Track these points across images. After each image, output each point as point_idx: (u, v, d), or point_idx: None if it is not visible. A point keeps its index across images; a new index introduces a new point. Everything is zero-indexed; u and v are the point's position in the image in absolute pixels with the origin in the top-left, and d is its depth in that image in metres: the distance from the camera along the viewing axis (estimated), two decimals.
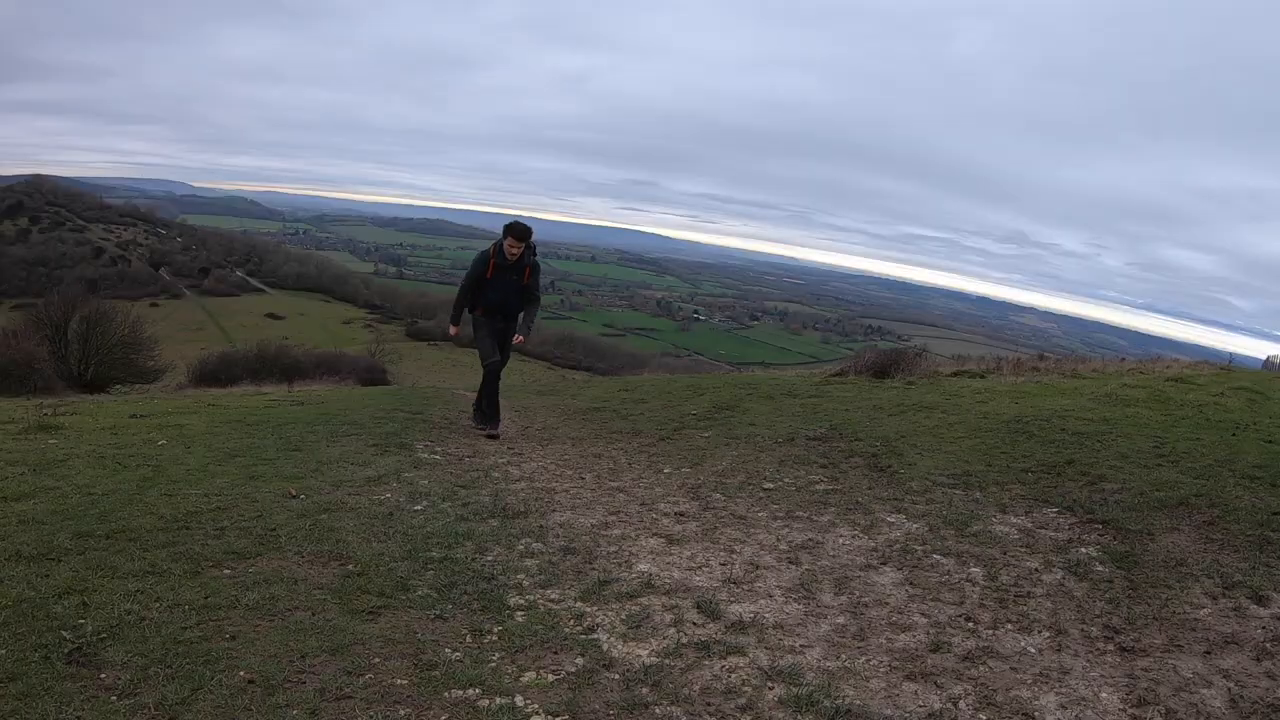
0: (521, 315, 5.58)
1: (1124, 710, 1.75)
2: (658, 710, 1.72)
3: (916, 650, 2.01)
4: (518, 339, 5.58)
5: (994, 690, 1.81)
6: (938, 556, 2.62)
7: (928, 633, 2.10)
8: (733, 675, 1.87)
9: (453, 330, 5.90)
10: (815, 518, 3.08)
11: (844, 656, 1.98)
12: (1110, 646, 2.02)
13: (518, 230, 5.34)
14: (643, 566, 2.54)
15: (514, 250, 5.30)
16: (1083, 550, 2.62)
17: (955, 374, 7.25)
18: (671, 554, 2.68)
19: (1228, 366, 7.47)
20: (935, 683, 1.85)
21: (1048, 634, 2.08)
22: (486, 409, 5.46)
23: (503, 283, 5.38)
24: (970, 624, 2.15)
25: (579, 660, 1.92)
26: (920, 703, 1.77)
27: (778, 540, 2.81)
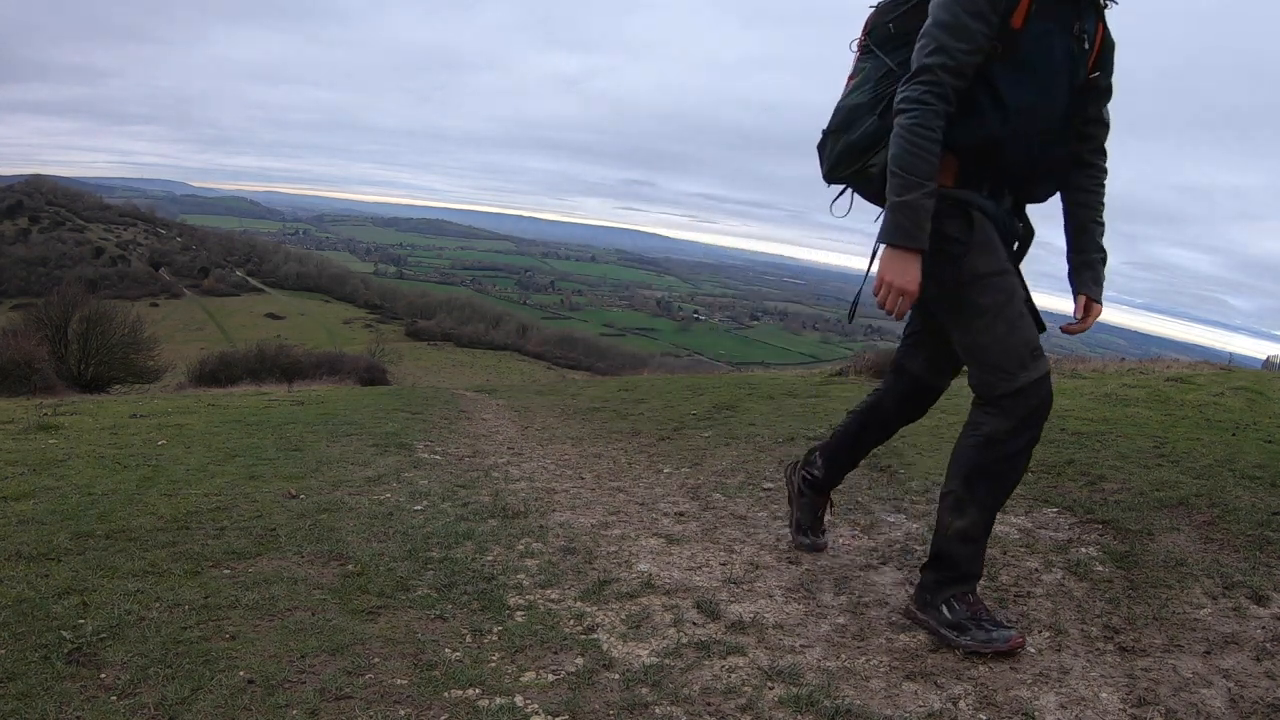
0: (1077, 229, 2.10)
1: (1124, 710, 1.75)
2: (658, 710, 1.71)
3: (916, 650, 2.01)
4: (1084, 319, 2.10)
5: (994, 690, 1.81)
6: None
7: (928, 633, 2.10)
8: (733, 675, 1.87)
9: (905, 291, 1.84)
10: None
11: (844, 656, 1.98)
12: (1110, 646, 2.02)
13: None
14: (643, 566, 2.54)
15: None
16: (1083, 550, 2.62)
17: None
18: (671, 554, 2.68)
19: (1227, 366, 7.48)
20: (935, 683, 1.85)
21: (1047, 634, 2.08)
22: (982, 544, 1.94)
23: (1058, 53, 1.67)
24: None
25: (579, 660, 1.92)
26: (920, 703, 1.77)
27: (778, 540, 2.81)
